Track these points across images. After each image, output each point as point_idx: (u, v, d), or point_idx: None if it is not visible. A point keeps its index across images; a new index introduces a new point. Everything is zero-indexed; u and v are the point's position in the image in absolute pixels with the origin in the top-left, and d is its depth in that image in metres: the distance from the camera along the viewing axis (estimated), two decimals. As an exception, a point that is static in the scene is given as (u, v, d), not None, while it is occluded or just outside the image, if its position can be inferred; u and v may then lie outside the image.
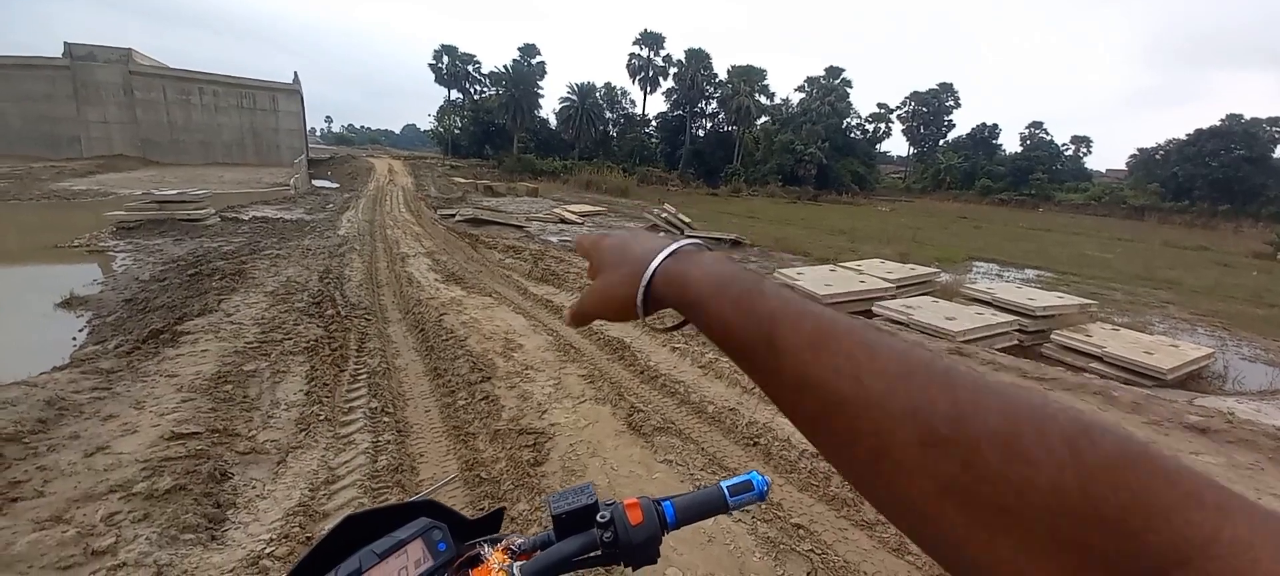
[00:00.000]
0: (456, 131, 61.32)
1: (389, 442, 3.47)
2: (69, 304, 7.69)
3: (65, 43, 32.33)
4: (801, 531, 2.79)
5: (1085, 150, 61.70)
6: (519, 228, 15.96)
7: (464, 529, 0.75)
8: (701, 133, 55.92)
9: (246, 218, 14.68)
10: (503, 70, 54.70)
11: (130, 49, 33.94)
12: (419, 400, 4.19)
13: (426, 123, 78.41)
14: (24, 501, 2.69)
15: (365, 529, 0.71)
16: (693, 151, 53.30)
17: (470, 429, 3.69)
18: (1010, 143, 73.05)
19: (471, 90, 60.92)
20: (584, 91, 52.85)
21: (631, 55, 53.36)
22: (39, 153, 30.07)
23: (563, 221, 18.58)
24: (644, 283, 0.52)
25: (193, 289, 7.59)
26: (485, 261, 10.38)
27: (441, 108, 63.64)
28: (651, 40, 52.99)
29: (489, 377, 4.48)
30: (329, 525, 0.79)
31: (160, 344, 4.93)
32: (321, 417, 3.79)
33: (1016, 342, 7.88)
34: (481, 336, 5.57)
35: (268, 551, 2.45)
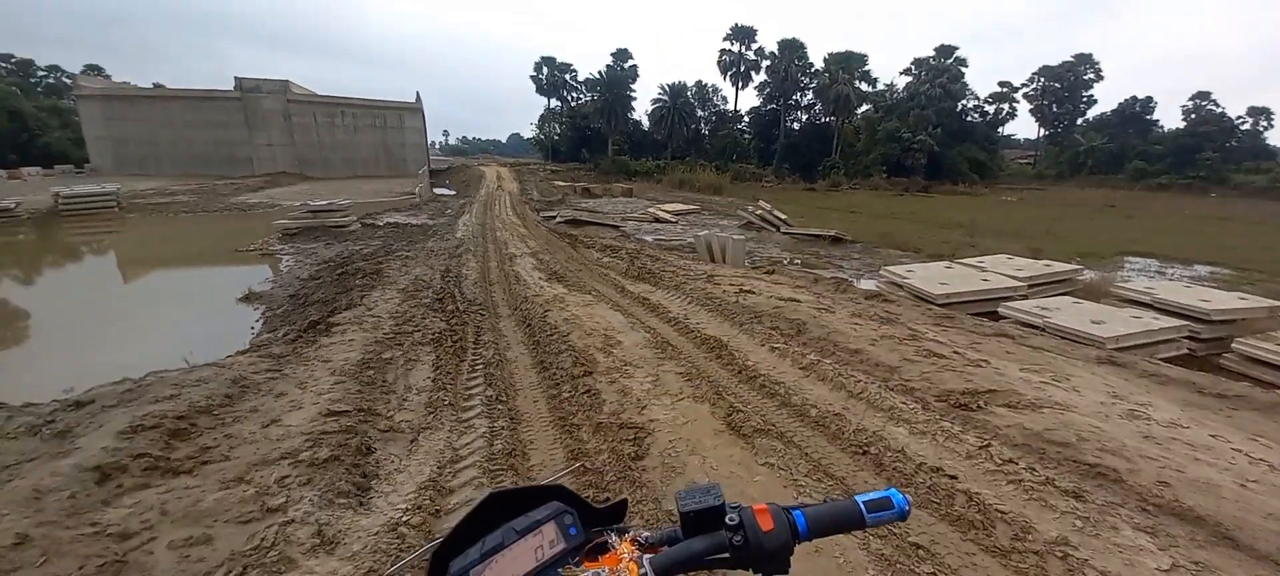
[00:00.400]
0: (555, 137, 64.09)
1: (503, 429, 3.72)
2: (248, 298, 9.02)
3: (236, 78, 37.87)
4: (921, 553, 2.59)
5: (1266, 123, 51.67)
6: (615, 228, 16.36)
7: (591, 516, 0.77)
8: (796, 126, 53.89)
9: (381, 223, 16.36)
10: (597, 76, 56.32)
11: (287, 80, 39.09)
12: (528, 391, 4.44)
13: (528, 131, 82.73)
14: (212, 464, 3.22)
15: (505, 506, 0.76)
16: (788, 145, 51.54)
17: (574, 420, 3.86)
18: (1169, 118, 62.84)
19: (568, 98, 63.36)
20: (675, 91, 52.99)
21: (722, 51, 52.62)
22: (220, 172, 35.50)
23: (657, 221, 18.78)
24: None
25: (341, 286, 8.60)
26: (584, 260, 10.76)
27: (542, 116, 66.90)
28: (742, 34, 51.93)
29: (590, 372, 4.65)
30: (475, 499, 0.85)
31: (317, 333, 5.65)
32: (446, 402, 4.14)
33: (1186, 352, 6.78)
34: (583, 332, 5.78)
35: (404, 519, 2.73)
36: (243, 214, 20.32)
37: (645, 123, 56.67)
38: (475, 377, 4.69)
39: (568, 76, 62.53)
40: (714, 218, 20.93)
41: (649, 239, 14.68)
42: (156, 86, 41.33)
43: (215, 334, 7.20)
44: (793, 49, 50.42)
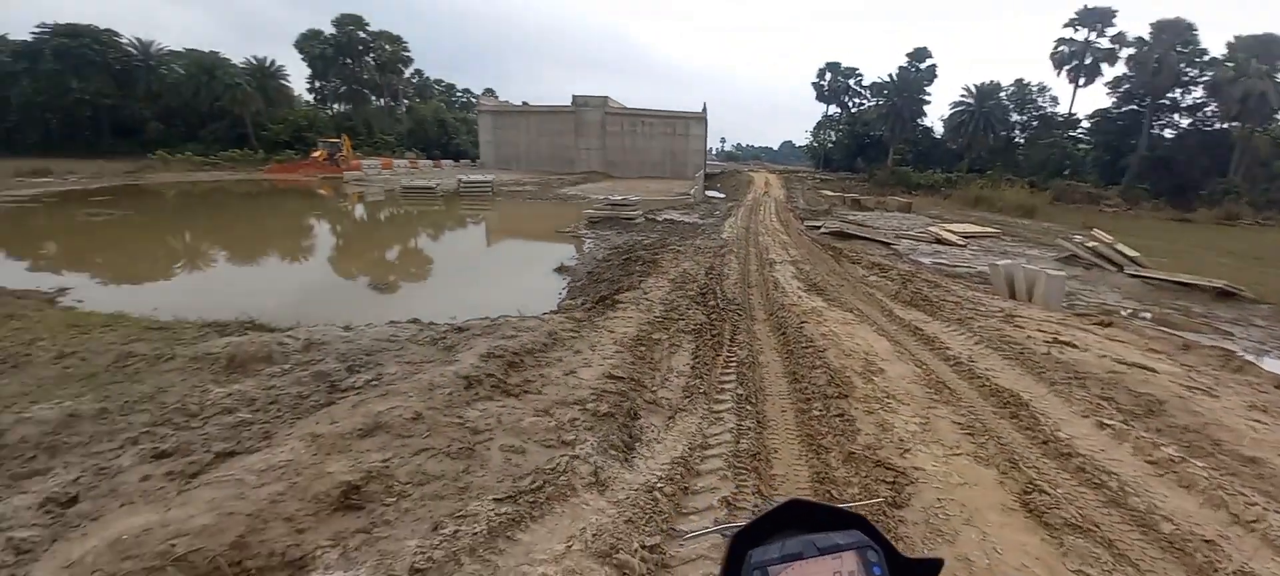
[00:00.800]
0: (830, 145, 61.24)
1: (749, 429, 3.81)
2: (560, 270, 11.12)
3: (573, 96, 46.61)
4: None
5: None
6: (886, 245, 14.89)
7: (899, 564, 0.70)
8: (1169, 133, 40.26)
9: (660, 219, 18.22)
10: (886, 79, 51.53)
11: (607, 96, 46.63)
12: (777, 398, 4.44)
13: (801, 138, 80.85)
14: (531, 394, 4.10)
15: (802, 516, 0.75)
16: (1151, 160, 38.91)
17: (823, 442, 3.71)
18: None
19: (850, 104, 59.72)
20: (984, 93, 45.01)
21: (1060, 41, 42.37)
22: (554, 170, 44.43)
23: (940, 242, 16.40)
24: None
25: (625, 270, 9.92)
26: (847, 276, 10.11)
27: (819, 123, 64.62)
28: (1093, 18, 40.87)
29: (846, 395, 4.39)
30: (777, 499, 0.84)
31: (605, 307, 6.66)
32: (701, 390, 4.45)
33: None
34: (840, 352, 5.48)
35: (659, 485, 3.05)
36: (563, 202, 25.02)
37: (938, 129, 49.79)
38: (728, 374, 4.90)
39: (852, 81, 59.03)
40: (1018, 245, 17.24)
41: (926, 261, 12.96)
42: (525, 104, 53.68)
43: (537, 292, 9.09)
44: (1175, 31, 37.69)
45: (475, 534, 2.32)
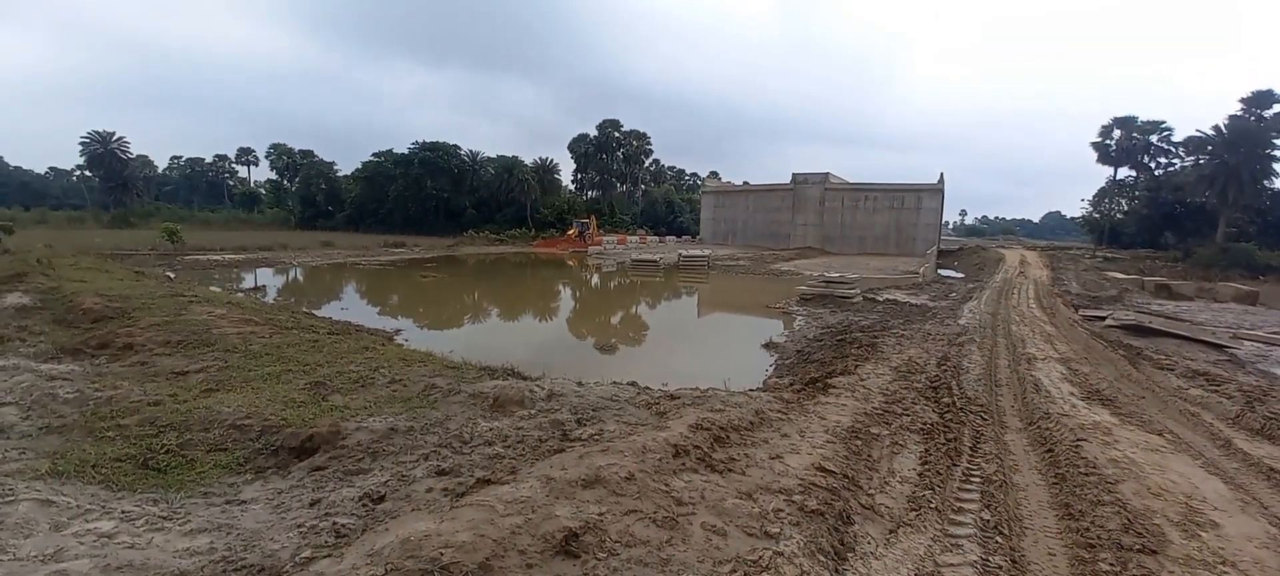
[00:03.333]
0: (1119, 216, 48.70)
1: (1000, 569, 3.04)
2: (768, 346, 10.85)
3: (793, 174, 46.58)
4: None
5: None
6: (1217, 347, 10.88)
7: None
8: None
9: (881, 299, 16.58)
10: (1208, 133, 39.20)
11: (828, 172, 45.45)
12: (1041, 535, 3.48)
13: (1074, 208, 66.09)
14: (734, 474, 3.95)
15: None
16: None
17: (1116, 605, 2.74)
18: None
19: (1151, 165, 46.97)
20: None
21: None
22: (767, 245, 44.45)
23: (1321, 350, 11.34)
24: None
25: (838, 352, 9.19)
26: (1151, 385, 7.64)
27: (1101, 190, 52.13)
28: None
29: (1155, 551, 3.21)
30: None
31: (815, 390, 6.20)
32: (932, 505, 3.74)
33: None
34: (1144, 488, 4.08)
35: (875, 609, 2.60)
36: (775, 278, 24.70)
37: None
38: (969, 490, 4.04)
39: (1155, 138, 46.70)
40: None
41: (1295, 377, 9.03)
42: (744, 183, 55.85)
43: (743, 367, 8.97)
44: None
45: (673, 613, 2.27)
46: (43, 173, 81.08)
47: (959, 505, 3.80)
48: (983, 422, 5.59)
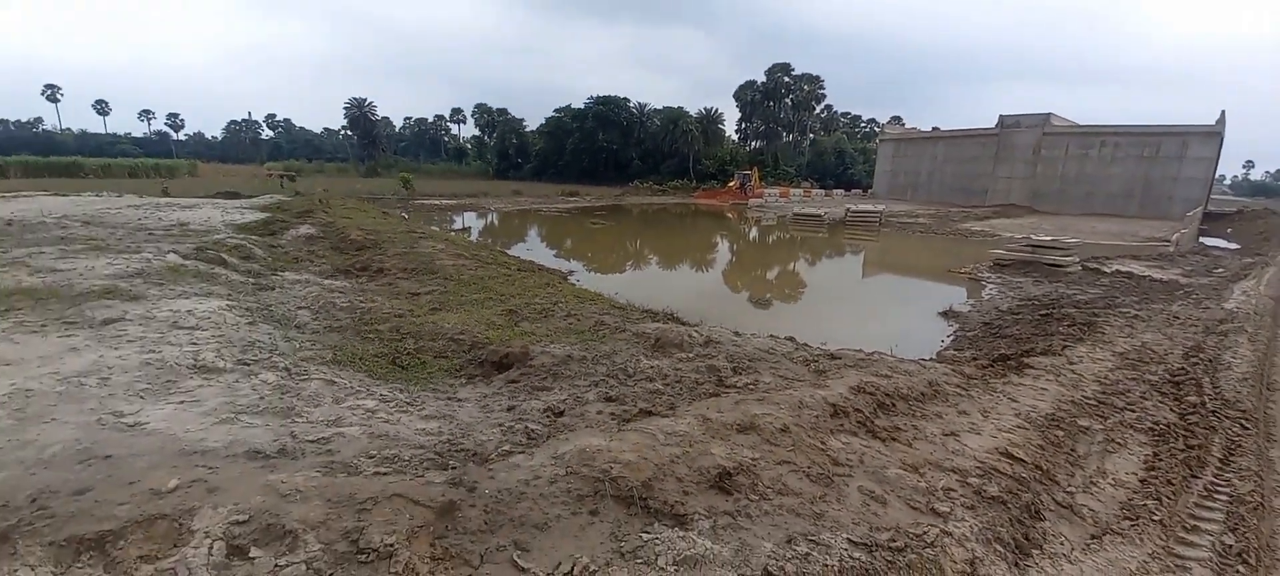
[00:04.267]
0: None
1: (1254, 606, 2.43)
2: (946, 314, 9.65)
3: (1000, 116, 39.15)
4: None
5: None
6: None
7: None
8: None
9: (1108, 270, 13.48)
10: None
11: (1050, 114, 37.24)
12: (1327, 581, 2.68)
13: None
14: (899, 443, 3.70)
15: None
16: None
17: None
18: None
19: None
20: None
21: None
22: (957, 201, 38.57)
23: None
24: None
25: (1040, 329, 7.81)
26: None
27: None
28: None
29: None
30: None
31: (1007, 368, 5.41)
32: (1154, 517, 3.10)
33: None
34: None
35: (1062, 614, 2.30)
36: (963, 239, 21.51)
37: None
38: (1211, 509, 3.24)
39: None
40: None
41: None
42: (934, 129, 48.72)
43: (913, 336, 8.14)
44: None
45: (826, 566, 2.28)
46: (319, 132, 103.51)
47: (1193, 523, 3.09)
48: (1242, 432, 4.37)
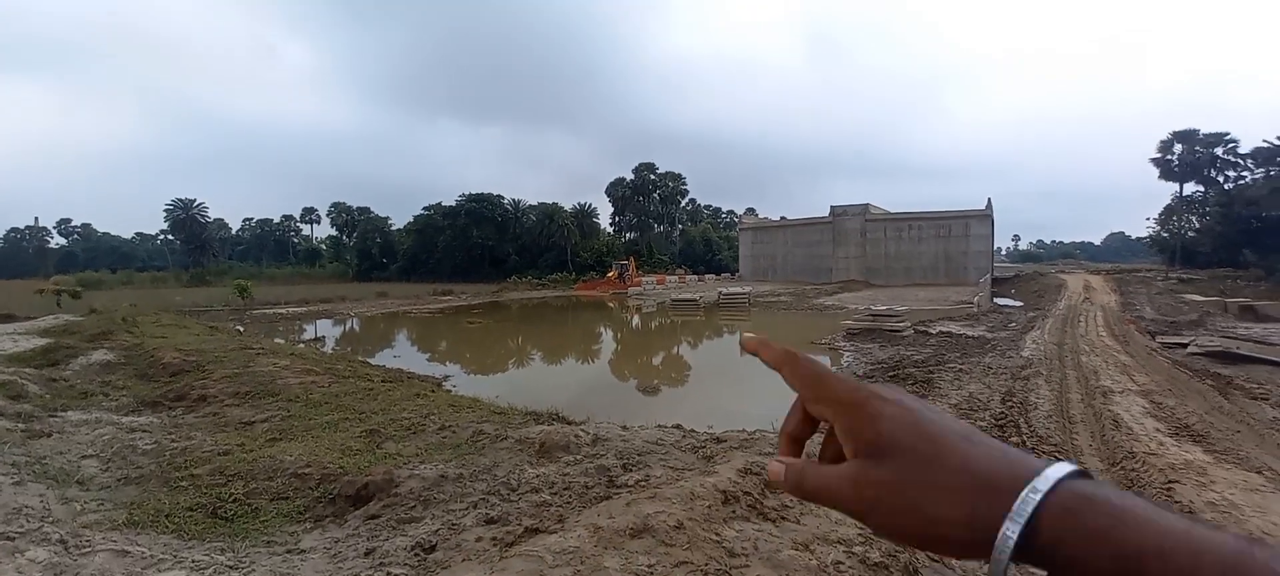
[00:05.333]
0: (1190, 234, 45.50)
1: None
2: (815, 384, 10.50)
3: (831, 206, 45.95)
4: None
5: None
6: (1327, 376, 9.78)
7: None
8: None
9: (934, 332, 15.86)
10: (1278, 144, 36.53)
11: (867, 204, 44.62)
12: (1136, 589, 3.14)
13: (1138, 228, 62.48)
14: (789, 523, 3.77)
15: None
16: None
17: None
18: None
19: (1220, 177, 44.00)
20: None
21: None
22: (807, 279, 43.57)
23: None
24: (1021, 516, 0.30)
25: (891, 389, 8.80)
26: (1247, 418, 6.94)
27: (1168, 208, 49.06)
28: None
29: (1276, 610, 2.84)
30: None
31: (869, 432, 5.92)
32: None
33: None
34: (1245, 532, 3.64)
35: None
36: (819, 313, 24.10)
37: None
38: (1048, 539, 3.71)
39: (1219, 150, 43.92)
40: None
41: None
42: (782, 218, 55.45)
43: (789, 408, 8.66)
44: None
45: (731, 675, 2.14)
46: (130, 237, 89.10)
47: (1038, 557, 3.49)
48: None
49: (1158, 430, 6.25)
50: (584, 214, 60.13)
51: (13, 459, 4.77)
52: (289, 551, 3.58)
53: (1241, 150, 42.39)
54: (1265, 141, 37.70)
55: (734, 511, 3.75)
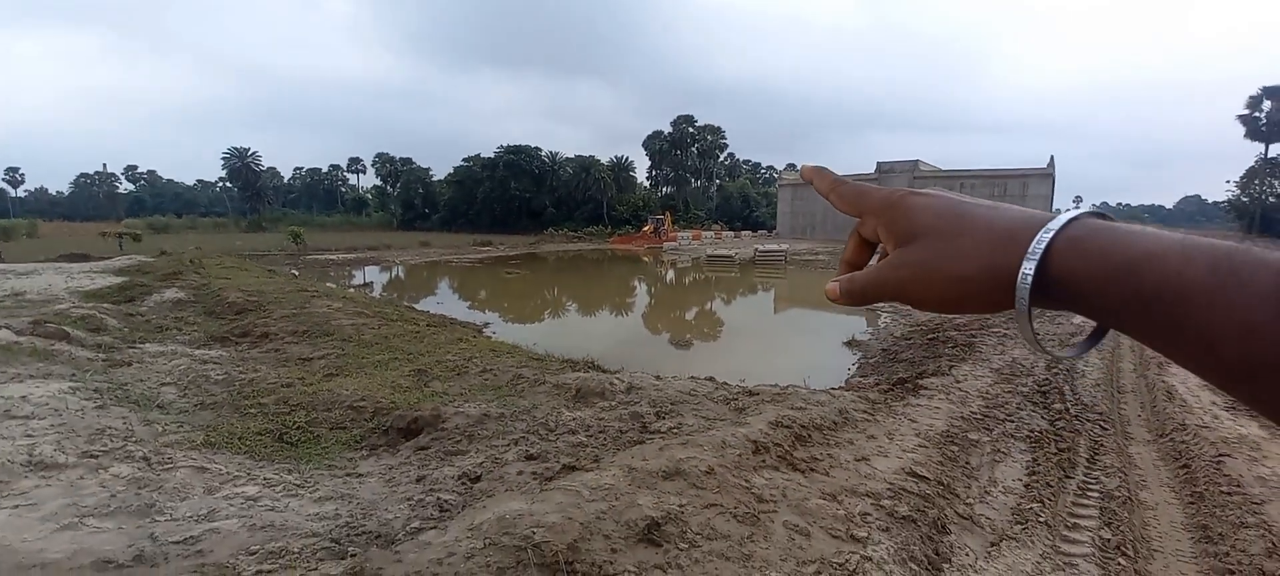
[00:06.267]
0: (1272, 199, 41.69)
1: (1124, 591, 2.74)
2: (850, 344, 10.39)
3: (877, 162, 44.01)
4: None
5: None
6: None
7: None
8: None
9: (979, 295, 15.30)
10: None
11: (918, 160, 42.53)
12: (1172, 559, 3.09)
13: (1218, 192, 57.62)
14: (817, 473, 3.84)
15: None
16: None
17: (1273, 645, 2.39)
18: None
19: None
20: None
21: None
22: (840, 237, 42.47)
23: None
24: (1036, 254, 0.31)
25: (930, 352, 8.62)
26: (1324, 397, 6.49)
27: (1250, 170, 44.83)
28: None
29: (1323, 585, 2.76)
30: None
31: (905, 391, 5.87)
32: (1041, 519, 3.44)
33: None
34: (1309, 512, 3.50)
35: (974, 624, 2.44)
36: (857, 272, 23.51)
37: None
38: (1086, 506, 3.66)
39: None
40: None
41: None
42: (819, 173, 53.64)
43: (824, 366, 8.66)
44: None
45: (757, 607, 2.26)
46: (191, 184, 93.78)
47: (1074, 521, 3.46)
48: (1102, 432, 5.03)
49: (1213, 403, 5.96)
50: (620, 167, 59.60)
51: (95, 385, 5.28)
52: (348, 474, 3.89)
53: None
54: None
55: (764, 461, 3.84)
